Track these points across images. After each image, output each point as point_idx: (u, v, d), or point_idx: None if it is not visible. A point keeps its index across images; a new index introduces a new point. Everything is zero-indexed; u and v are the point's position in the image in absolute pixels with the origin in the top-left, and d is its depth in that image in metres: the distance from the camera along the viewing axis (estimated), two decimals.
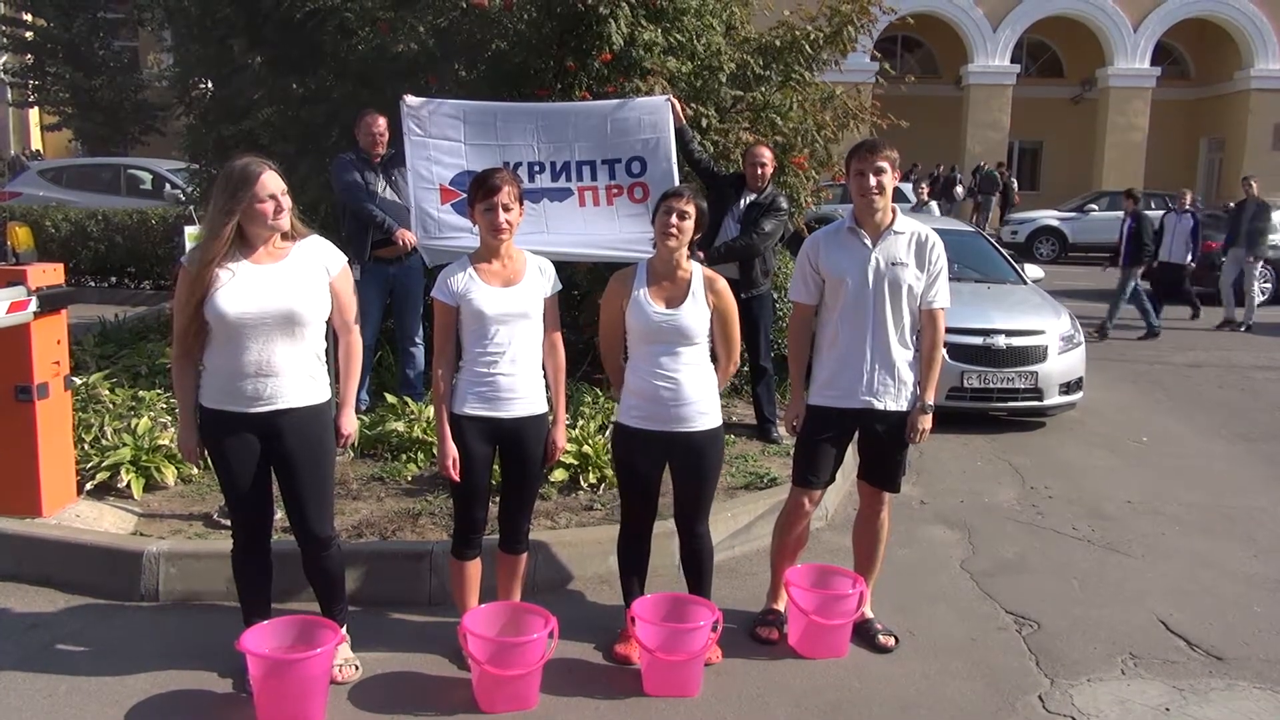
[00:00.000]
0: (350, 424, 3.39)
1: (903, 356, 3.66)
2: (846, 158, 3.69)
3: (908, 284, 3.61)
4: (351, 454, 5.25)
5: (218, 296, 3.06)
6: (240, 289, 3.08)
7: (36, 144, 25.79)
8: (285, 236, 3.19)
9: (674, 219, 3.42)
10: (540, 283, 3.47)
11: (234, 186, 3.06)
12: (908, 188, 18.22)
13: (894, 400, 3.66)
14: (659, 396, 3.46)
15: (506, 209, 3.34)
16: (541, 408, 3.52)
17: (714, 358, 3.62)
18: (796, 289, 3.80)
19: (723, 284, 3.58)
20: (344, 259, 3.34)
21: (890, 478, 3.82)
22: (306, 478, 3.25)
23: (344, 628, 3.44)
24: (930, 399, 3.70)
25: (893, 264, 3.60)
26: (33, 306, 4.17)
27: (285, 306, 3.12)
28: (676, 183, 5.47)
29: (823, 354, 3.74)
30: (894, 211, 3.67)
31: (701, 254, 5.72)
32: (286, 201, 3.12)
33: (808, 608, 3.69)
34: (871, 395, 3.64)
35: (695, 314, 3.47)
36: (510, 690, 3.27)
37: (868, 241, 3.62)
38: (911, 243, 3.63)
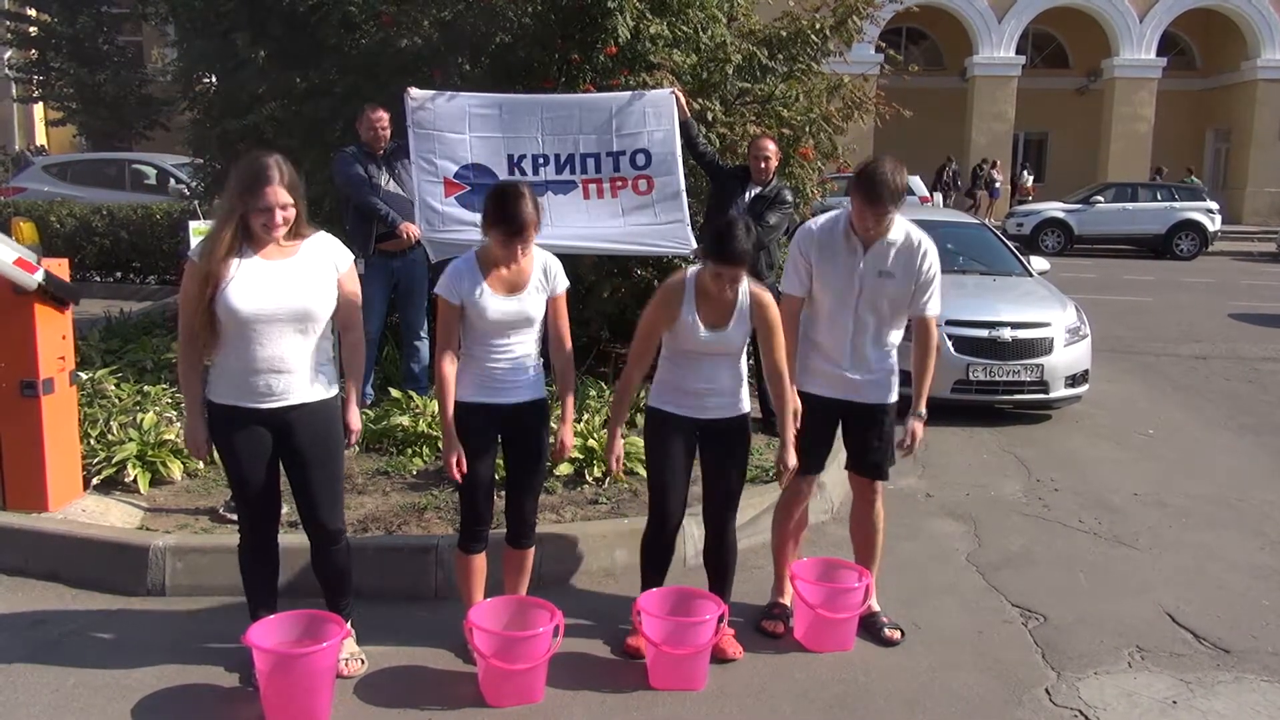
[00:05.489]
0: (356, 420, 3.38)
1: (881, 357, 3.68)
2: (851, 185, 3.57)
3: (892, 294, 3.61)
4: (357, 449, 5.26)
5: (229, 292, 3.04)
6: (252, 285, 3.06)
7: (41, 139, 25.80)
8: (293, 234, 3.17)
9: (727, 285, 3.38)
10: (546, 285, 3.46)
11: (243, 186, 3.04)
12: (915, 181, 18.17)
13: (873, 393, 3.69)
14: (696, 392, 3.49)
15: (526, 242, 3.30)
16: (542, 393, 3.53)
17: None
18: (790, 280, 3.76)
19: (768, 298, 3.51)
20: (351, 256, 3.34)
21: (877, 466, 3.82)
22: (318, 472, 3.25)
23: (350, 622, 3.45)
24: (922, 408, 3.72)
25: (879, 273, 3.60)
26: (39, 276, 4.14)
27: (300, 304, 3.11)
28: (680, 176, 5.45)
29: (804, 344, 3.76)
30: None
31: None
32: (288, 214, 3.07)
33: (813, 601, 3.69)
34: (852, 391, 3.68)
35: (740, 334, 3.50)
36: (516, 684, 3.27)
37: (859, 247, 3.61)
38: (902, 252, 3.61)
